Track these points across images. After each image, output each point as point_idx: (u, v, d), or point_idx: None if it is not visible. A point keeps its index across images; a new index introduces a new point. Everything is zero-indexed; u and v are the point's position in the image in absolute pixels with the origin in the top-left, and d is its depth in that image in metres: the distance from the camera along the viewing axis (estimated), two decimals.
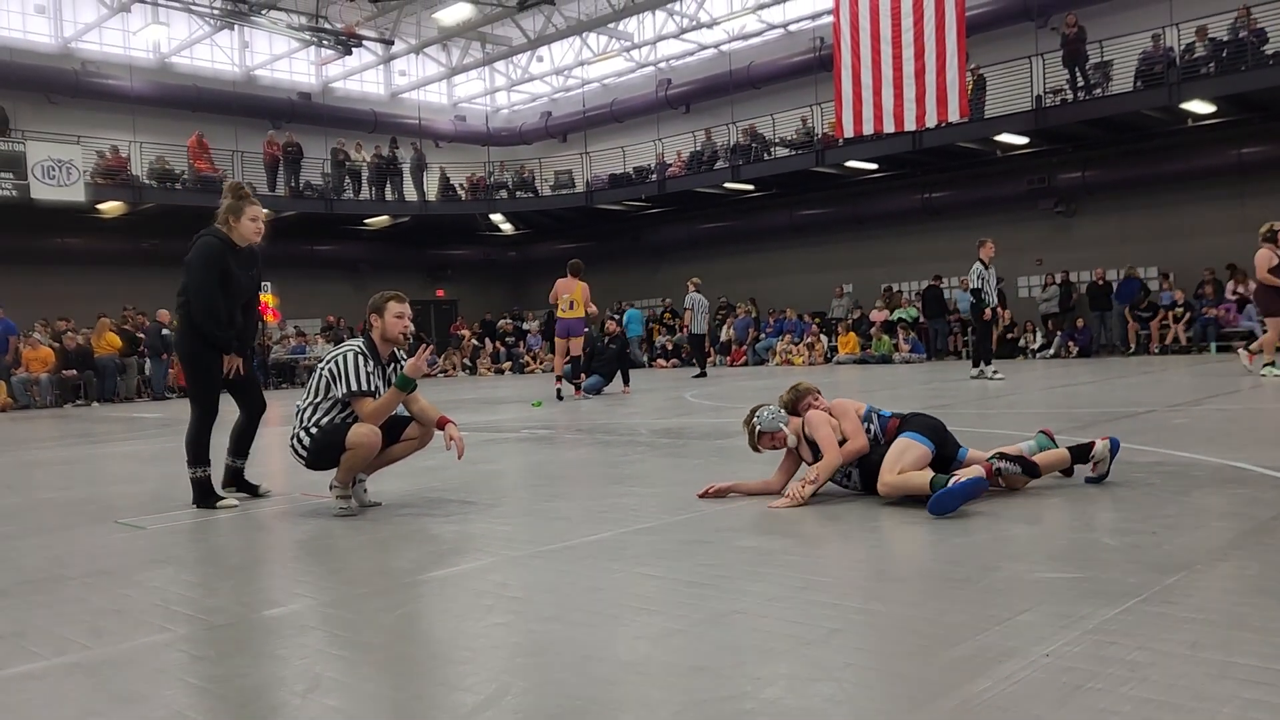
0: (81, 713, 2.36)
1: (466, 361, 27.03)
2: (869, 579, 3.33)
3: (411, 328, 5.20)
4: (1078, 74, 19.74)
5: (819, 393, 4.96)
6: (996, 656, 2.40)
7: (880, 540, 3.89)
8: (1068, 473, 4.77)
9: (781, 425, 4.77)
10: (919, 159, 22.45)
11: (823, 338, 23.09)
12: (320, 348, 23.62)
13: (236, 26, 26.09)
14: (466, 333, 28.05)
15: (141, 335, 20.87)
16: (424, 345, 5.20)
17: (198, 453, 5.39)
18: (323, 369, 5.04)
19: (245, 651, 2.82)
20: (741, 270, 26.96)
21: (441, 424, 5.03)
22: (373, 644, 2.82)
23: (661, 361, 25.36)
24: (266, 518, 5.09)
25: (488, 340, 28.16)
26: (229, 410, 5.55)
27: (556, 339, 14.18)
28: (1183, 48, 18.79)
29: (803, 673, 2.37)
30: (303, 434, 5.01)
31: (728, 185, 25.20)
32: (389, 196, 27.47)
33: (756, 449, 4.90)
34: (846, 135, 20.80)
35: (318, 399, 5.01)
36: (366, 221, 27.81)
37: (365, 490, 5.16)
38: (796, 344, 22.99)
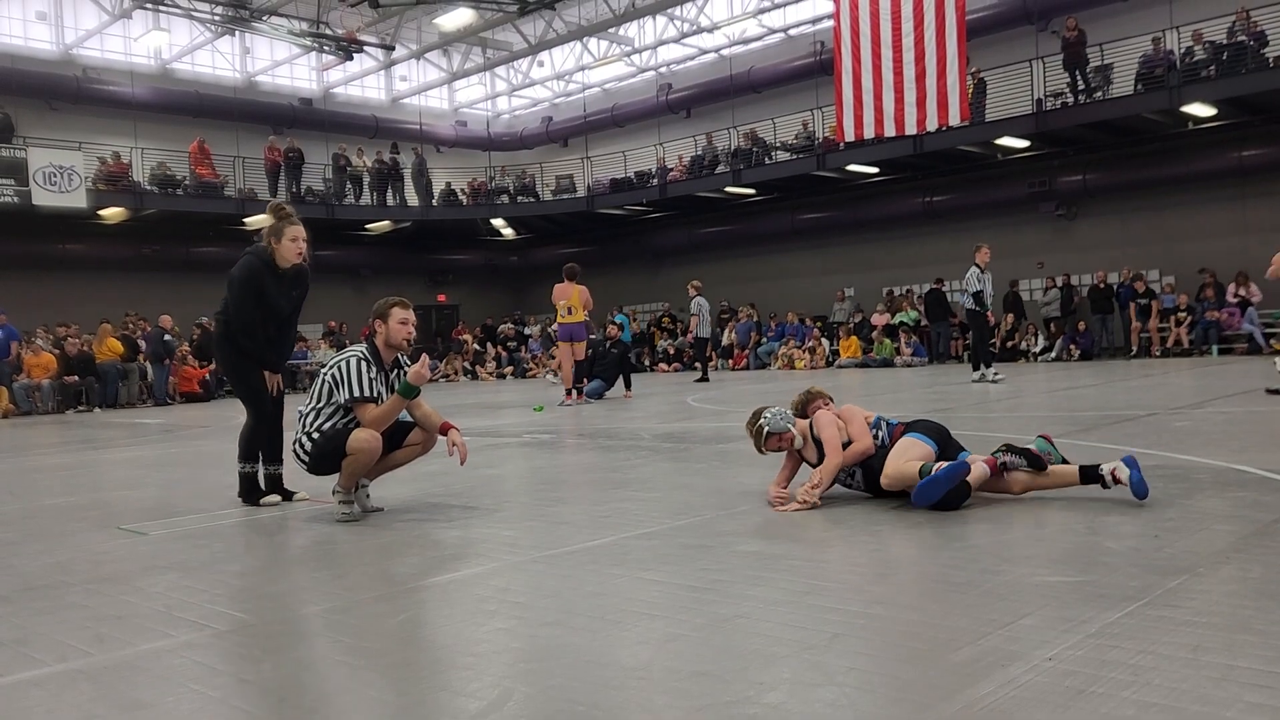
0: (84, 719, 2.36)
1: (467, 365, 27.04)
2: (871, 583, 3.33)
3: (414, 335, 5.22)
4: (1078, 77, 19.75)
5: (830, 399, 5.00)
6: (999, 660, 2.40)
7: (882, 544, 3.89)
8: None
9: (789, 426, 4.76)
10: (920, 163, 22.46)
11: (824, 341, 23.09)
12: (323, 353, 23.66)
13: (238, 32, 26.13)
14: (469, 337, 28.06)
15: (142, 341, 20.87)
16: (425, 354, 5.21)
17: (248, 450, 5.54)
18: (326, 374, 5.04)
19: (248, 658, 2.82)
20: (742, 274, 26.97)
21: (444, 430, 5.03)
22: (375, 649, 2.82)
23: (663, 366, 25.35)
24: (269, 523, 5.09)
25: (489, 345, 28.17)
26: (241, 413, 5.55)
27: (559, 343, 14.18)
28: (1183, 51, 18.81)
29: (805, 677, 2.37)
30: (305, 439, 5.02)
31: (729, 189, 25.23)
32: (390, 202, 27.51)
33: (762, 451, 4.88)
34: (847, 139, 20.81)
35: (320, 404, 5.02)
36: (368, 227, 27.85)
37: (368, 495, 5.17)
38: (799, 347, 22.99)
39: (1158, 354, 19.04)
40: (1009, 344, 20.85)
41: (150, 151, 24.50)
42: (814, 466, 4.84)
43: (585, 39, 28.62)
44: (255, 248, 5.47)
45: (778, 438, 4.78)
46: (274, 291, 5.44)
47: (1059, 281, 21.11)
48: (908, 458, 4.47)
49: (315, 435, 4.99)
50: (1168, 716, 2.04)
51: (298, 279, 5.61)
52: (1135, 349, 19.58)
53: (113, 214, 23.46)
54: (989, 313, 14.02)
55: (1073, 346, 19.97)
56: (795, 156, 23.97)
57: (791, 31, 26.85)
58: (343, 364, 4.98)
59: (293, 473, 5.46)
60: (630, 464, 6.72)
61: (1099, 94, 19.79)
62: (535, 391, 17.88)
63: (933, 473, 4.25)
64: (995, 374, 13.72)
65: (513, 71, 32.35)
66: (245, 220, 25.21)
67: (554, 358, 22.36)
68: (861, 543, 3.95)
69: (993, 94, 20.92)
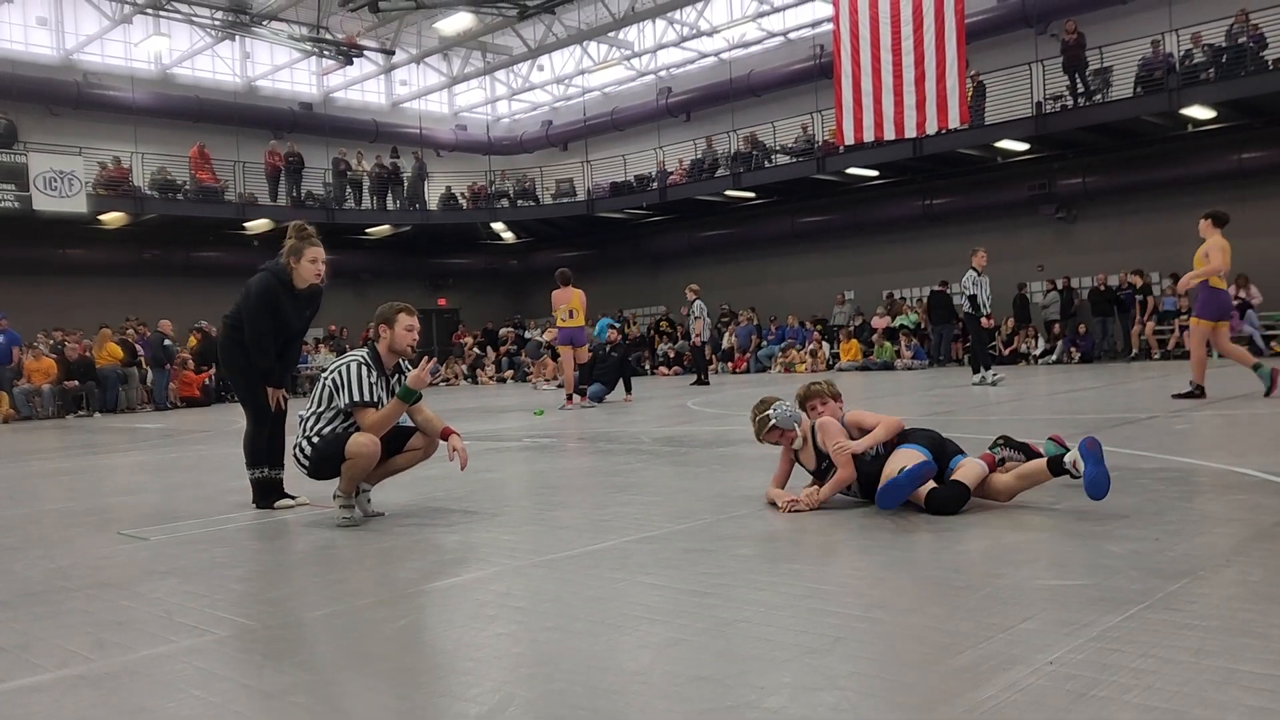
0: None
1: (465, 369, 27.06)
2: (872, 587, 3.32)
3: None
4: (1078, 80, 19.77)
5: (832, 396, 4.89)
6: (1000, 664, 2.40)
7: (882, 548, 3.89)
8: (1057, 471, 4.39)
9: (795, 425, 4.74)
10: (920, 166, 22.48)
11: (825, 344, 23.10)
12: (323, 357, 23.66)
13: (238, 37, 26.18)
14: (469, 339, 28.09)
15: (139, 346, 20.86)
16: (426, 357, 5.21)
17: (254, 455, 5.55)
18: (326, 379, 5.05)
19: (249, 663, 2.82)
20: (742, 278, 26.98)
21: (445, 435, 5.04)
22: (376, 654, 2.82)
23: (663, 369, 25.35)
24: (270, 528, 5.09)
25: (489, 349, 28.18)
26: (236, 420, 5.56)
27: (560, 348, 14.18)
28: (1182, 53, 18.82)
29: (806, 681, 2.37)
30: (305, 443, 5.02)
31: (729, 193, 25.24)
32: (390, 206, 27.53)
33: (759, 439, 4.86)
34: (847, 142, 20.82)
35: (321, 408, 5.02)
36: (368, 231, 27.87)
37: (369, 500, 5.17)
38: (799, 350, 22.98)
39: (1157, 356, 19.04)
40: (1009, 347, 20.84)
41: (151, 156, 24.55)
42: (809, 471, 4.83)
43: (585, 43, 28.66)
44: (274, 265, 5.46)
45: (779, 433, 4.76)
46: (289, 310, 5.46)
47: (1059, 284, 21.12)
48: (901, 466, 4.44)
49: (315, 439, 4.99)
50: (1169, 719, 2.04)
51: (312, 299, 5.63)
52: (1135, 350, 19.58)
53: (113, 219, 23.49)
54: (986, 316, 14.02)
55: (1073, 349, 19.97)
56: (795, 160, 23.99)
57: (791, 35, 26.89)
58: (343, 368, 4.98)
59: (293, 477, 5.46)
60: (631, 468, 6.72)
61: (1098, 97, 19.82)
62: (534, 396, 17.88)
63: (895, 476, 4.28)
64: (996, 376, 13.73)
65: (512, 75, 32.38)
66: (245, 225, 25.28)
67: (547, 367, 22.41)
68: (862, 546, 3.94)
69: (992, 97, 20.94)
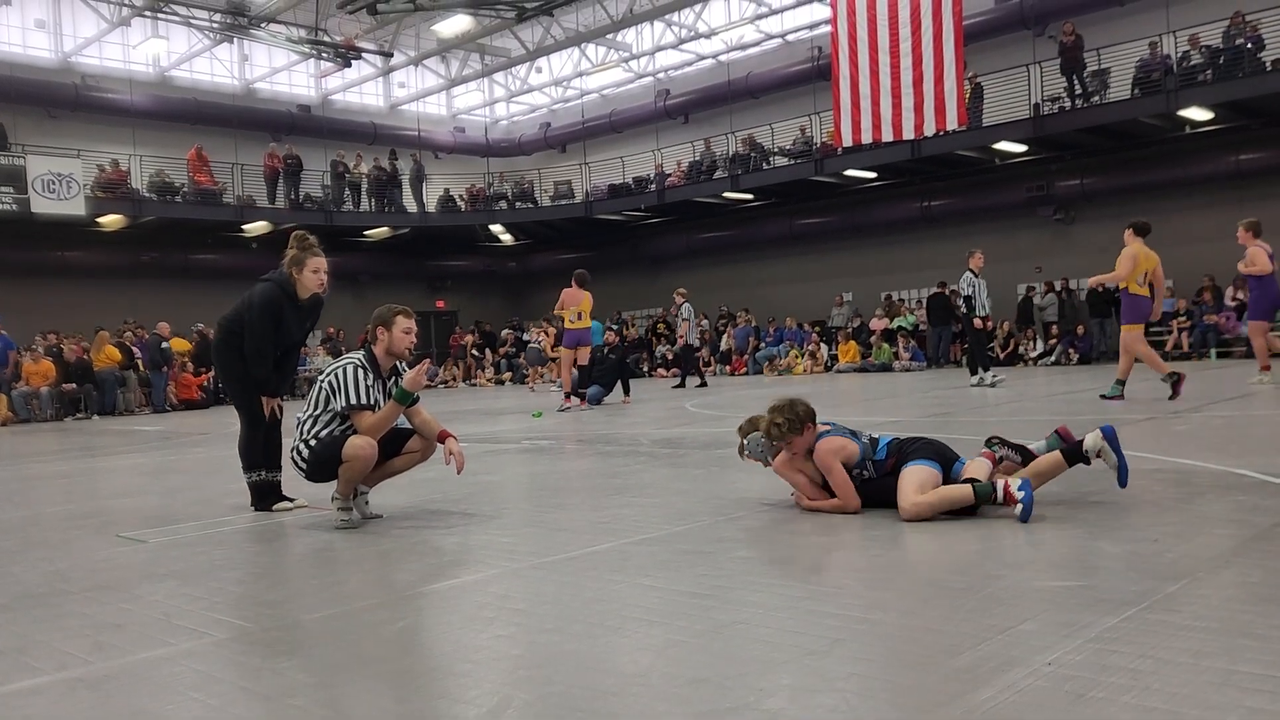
0: None
1: (460, 372, 27.07)
2: (870, 588, 3.32)
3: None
4: (1075, 82, 19.79)
5: (799, 431, 4.56)
6: (999, 666, 2.40)
7: (881, 549, 3.89)
8: (1080, 458, 4.44)
9: (765, 460, 4.82)
10: (918, 167, 22.50)
11: (823, 346, 23.10)
12: (321, 359, 23.64)
13: (236, 40, 26.17)
14: (471, 339, 28.11)
15: (136, 349, 20.84)
16: (426, 360, 5.21)
17: (250, 459, 5.54)
18: (323, 381, 5.04)
19: (248, 665, 2.82)
20: (741, 279, 26.99)
21: (442, 438, 5.04)
22: (375, 656, 2.82)
23: (661, 371, 25.35)
24: (268, 531, 5.09)
25: (488, 350, 28.16)
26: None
27: (564, 349, 14.19)
28: (1180, 55, 18.85)
29: (805, 683, 2.37)
30: (302, 446, 5.02)
31: (727, 195, 25.25)
32: (388, 208, 27.53)
33: (741, 456, 5.04)
34: (845, 144, 20.83)
35: (318, 411, 5.02)
36: (366, 233, 27.87)
37: (367, 503, 5.16)
38: (799, 356, 22.97)
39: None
40: (1005, 350, 20.83)
41: (149, 159, 24.53)
42: (816, 484, 4.75)
43: (583, 45, 28.67)
44: (279, 276, 5.45)
45: (752, 459, 4.92)
46: (291, 320, 5.46)
47: (1057, 285, 21.13)
48: (923, 485, 4.32)
49: (312, 442, 4.99)
50: None
51: (314, 309, 5.63)
52: None
53: (111, 221, 23.49)
54: (981, 317, 14.01)
55: (1071, 350, 19.98)
56: (793, 162, 24.01)
57: (789, 37, 26.91)
58: (339, 371, 4.98)
59: (291, 480, 5.46)
60: (629, 469, 6.72)
61: (1096, 98, 19.84)
62: (533, 398, 17.88)
63: (997, 492, 4.20)
64: (995, 377, 13.74)
65: (511, 78, 32.38)
66: (244, 227, 25.27)
67: (543, 371, 22.38)
68: (860, 548, 3.95)
69: (990, 99, 20.95)
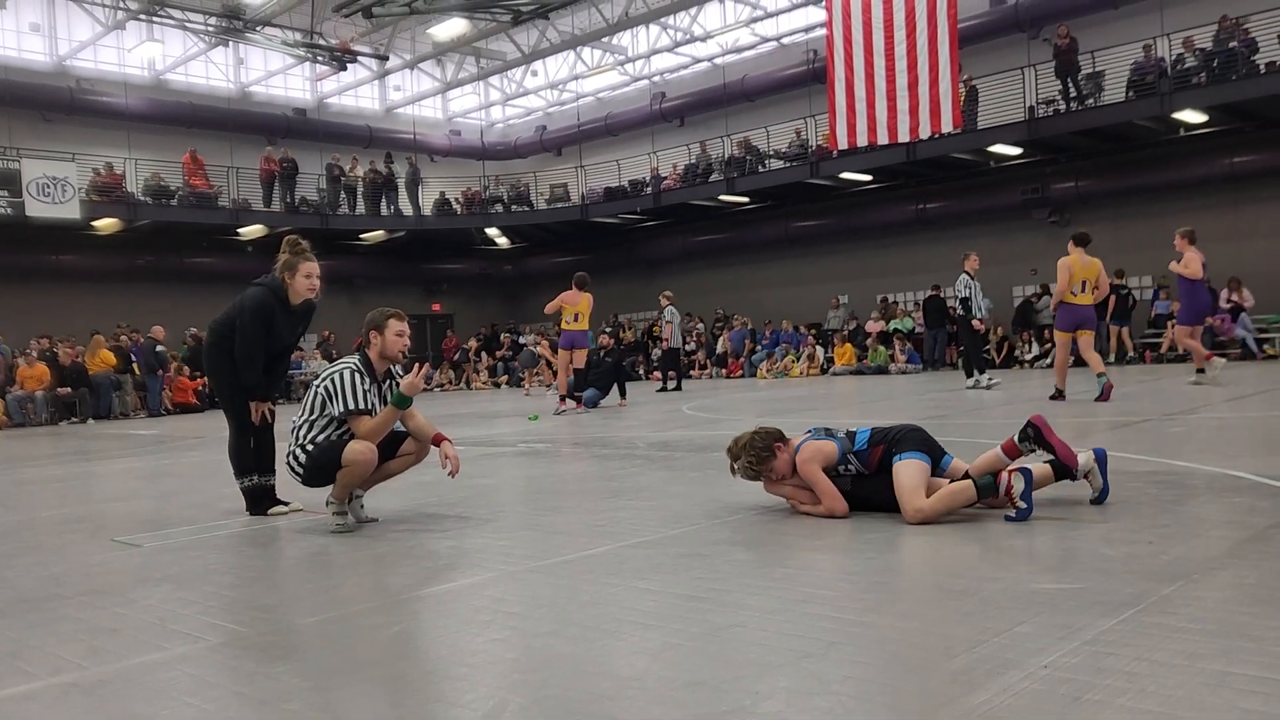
0: None
1: (453, 375, 27.06)
2: (866, 591, 3.32)
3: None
4: (1070, 84, 19.83)
5: (774, 454, 4.60)
6: (995, 668, 2.40)
7: (877, 552, 3.89)
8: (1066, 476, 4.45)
9: (754, 481, 4.78)
10: (913, 170, 22.53)
11: (819, 349, 23.11)
12: (316, 363, 23.62)
13: (231, 43, 26.13)
14: (474, 343, 28.11)
15: (131, 353, 20.79)
16: (422, 363, 5.21)
17: (241, 464, 5.54)
18: (319, 386, 5.03)
19: (242, 670, 2.81)
20: (737, 282, 26.99)
21: (437, 441, 5.04)
22: (370, 660, 2.81)
23: (657, 374, 25.29)
24: (263, 535, 5.08)
25: (484, 354, 28.15)
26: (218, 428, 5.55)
27: (560, 350, 14.19)
28: (1174, 58, 18.89)
29: (802, 686, 2.37)
30: (299, 451, 5.01)
31: (722, 198, 25.26)
32: (384, 211, 27.51)
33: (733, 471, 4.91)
34: (840, 147, 20.86)
35: (314, 416, 5.01)
36: (362, 237, 27.85)
37: (362, 506, 5.16)
38: (795, 360, 22.97)
39: (1150, 360, 19.07)
40: (999, 353, 20.84)
41: (144, 162, 24.49)
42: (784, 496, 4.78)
43: (579, 48, 28.67)
44: (270, 281, 5.45)
45: (744, 479, 4.86)
46: (282, 325, 5.46)
47: (1053, 288, 21.11)
48: (920, 485, 4.29)
49: (309, 447, 4.98)
50: None
51: (305, 314, 5.62)
52: (1131, 352, 19.62)
53: (106, 225, 23.45)
54: (977, 320, 14.04)
55: None
56: (789, 165, 24.03)
57: (784, 40, 26.94)
58: (335, 376, 4.97)
59: (286, 483, 5.45)
60: (625, 473, 6.71)
61: (1091, 101, 19.88)
62: (530, 401, 17.87)
63: (999, 489, 4.20)
64: (991, 380, 13.76)
65: (506, 81, 32.38)
66: (239, 231, 25.23)
67: (540, 374, 22.35)
68: (856, 551, 3.94)
69: (985, 101, 21.00)
